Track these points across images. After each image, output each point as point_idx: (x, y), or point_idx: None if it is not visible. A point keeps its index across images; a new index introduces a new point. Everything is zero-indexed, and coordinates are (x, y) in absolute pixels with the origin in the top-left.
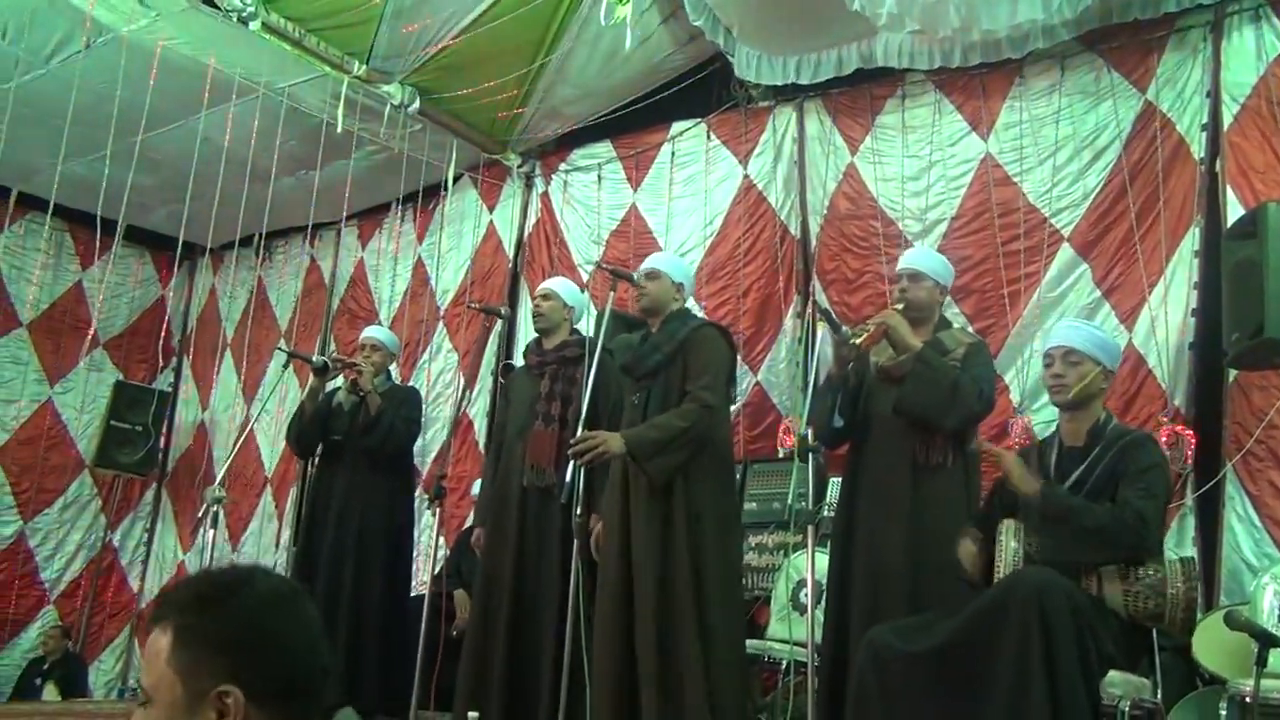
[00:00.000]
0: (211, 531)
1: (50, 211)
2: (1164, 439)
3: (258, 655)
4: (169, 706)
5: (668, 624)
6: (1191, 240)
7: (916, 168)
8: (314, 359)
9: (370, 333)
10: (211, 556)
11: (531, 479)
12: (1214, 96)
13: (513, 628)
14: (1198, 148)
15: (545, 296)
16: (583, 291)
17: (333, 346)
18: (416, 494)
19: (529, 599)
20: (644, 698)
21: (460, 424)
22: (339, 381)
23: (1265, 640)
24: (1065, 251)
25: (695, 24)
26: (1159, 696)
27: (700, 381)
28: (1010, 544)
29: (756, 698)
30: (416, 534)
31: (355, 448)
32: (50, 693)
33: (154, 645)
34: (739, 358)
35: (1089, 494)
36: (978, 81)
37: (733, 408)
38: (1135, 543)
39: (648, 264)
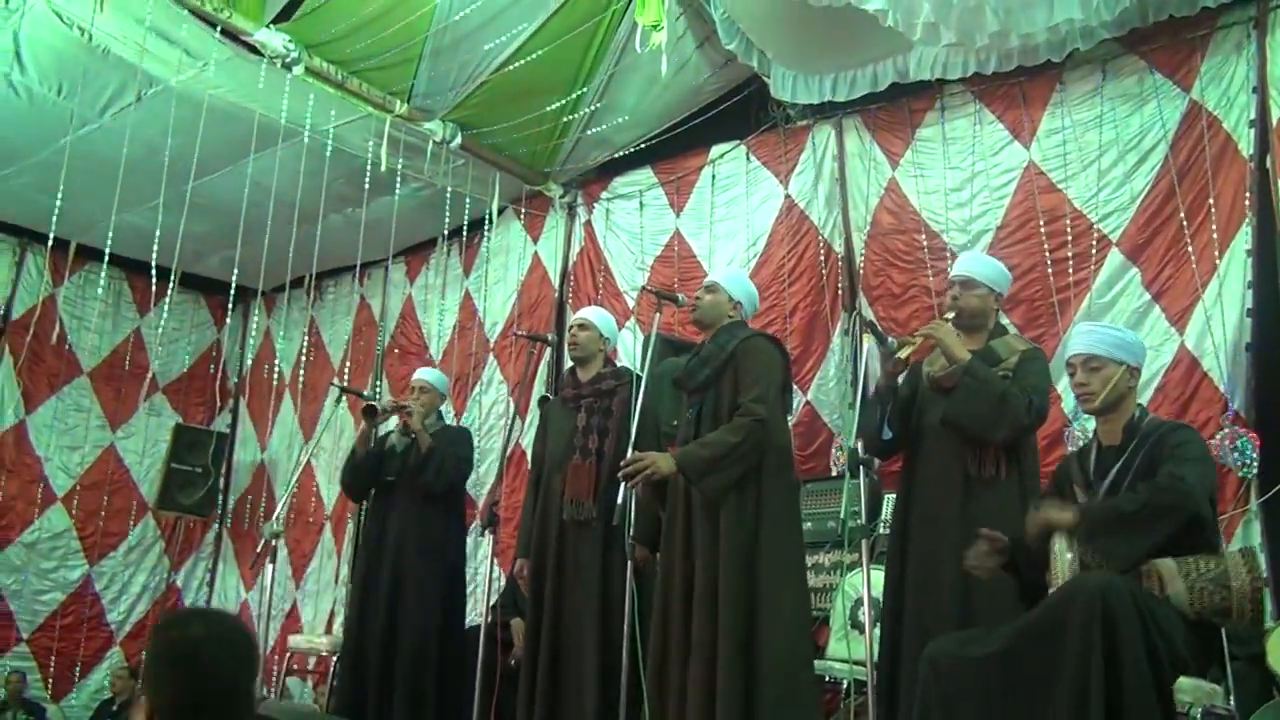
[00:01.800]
0: (271, 566)
1: (107, 261)
2: (1228, 443)
3: (160, 681)
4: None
5: (729, 641)
6: (1244, 238)
7: (959, 179)
8: (364, 403)
9: (420, 375)
10: (272, 590)
11: (570, 513)
12: (1261, 92)
13: (553, 659)
14: (1246, 145)
15: (582, 326)
16: (629, 319)
17: (384, 383)
18: (471, 526)
19: (569, 630)
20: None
21: (514, 455)
22: (391, 424)
23: None
24: (1114, 256)
25: (729, 48)
26: (1232, 704)
27: (751, 394)
28: (1065, 554)
29: (821, 718)
30: (472, 567)
31: (409, 486)
32: None
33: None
34: None
35: (1129, 488)
36: (1018, 90)
37: (790, 418)
38: (1178, 502)
39: (709, 278)
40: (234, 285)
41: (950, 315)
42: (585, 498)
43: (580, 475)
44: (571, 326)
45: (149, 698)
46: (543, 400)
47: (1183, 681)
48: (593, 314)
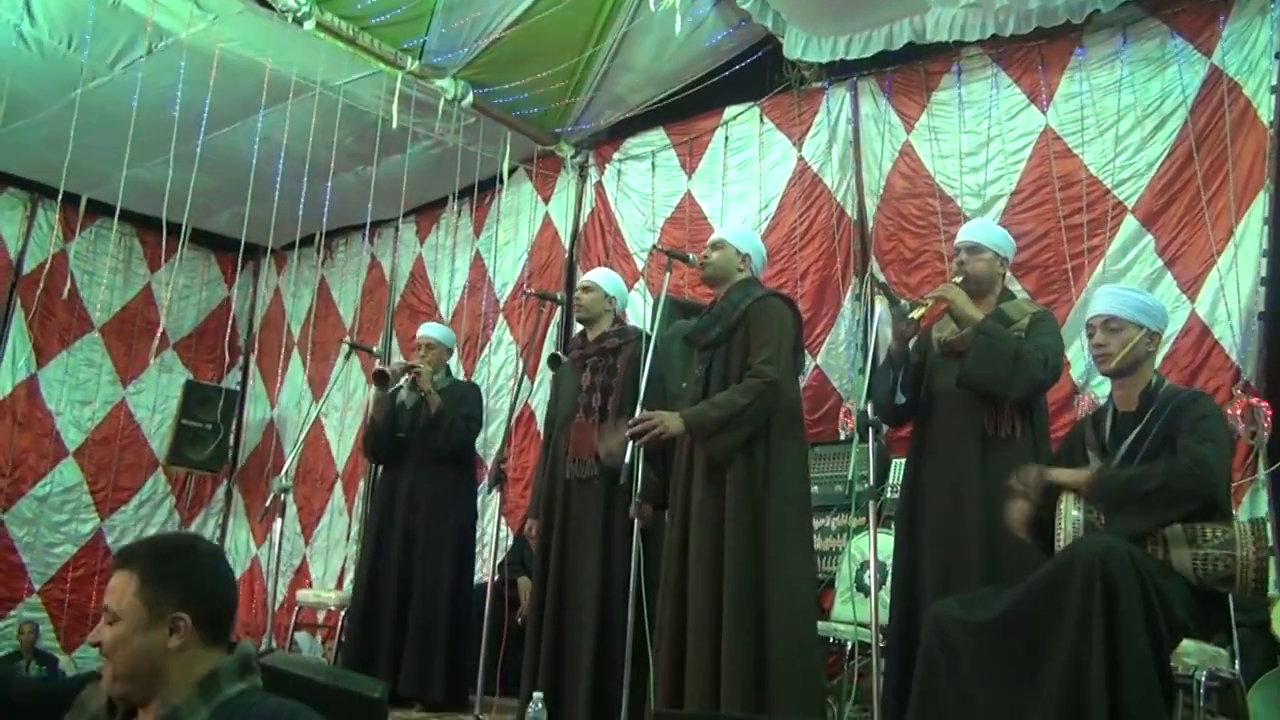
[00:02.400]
0: (280, 521)
1: (117, 216)
2: (1238, 411)
3: (201, 595)
4: (133, 624)
5: (734, 599)
6: (1261, 206)
7: (974, 143)
8: (375, 365)
9: (425, 331)
10: (281, 545)
11: (573, 471)
12: None
13: (556, 615)
14: (1266, 111)
15: (586, 288)
16: (638, 280)
17: (395, 343)
18: (480, 486)
19: (570, 587)
20: (724, 672)
21: (522, 415)
22: (402, 380)
23: None
24: (1129, 223)
25: (743, 6)
26: (1237, 668)
27: (762, 354)
28: (1071, 513)
29: (823, 680)
30: (481, 526)
31: (419, 445)
32: None
33: (121, 583)
34: None
35: (1145, 456)
36: (1036, 53)
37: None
38: (1197, 487)
39: (715, 235)
40: (243, 242)
41: (958, 280)
42: (587, 456)
43: (583, 434)
44: (577, 290)
45: (186, 609)
46: (553, 359)
47: (1187, 644)
48: (597, 275)
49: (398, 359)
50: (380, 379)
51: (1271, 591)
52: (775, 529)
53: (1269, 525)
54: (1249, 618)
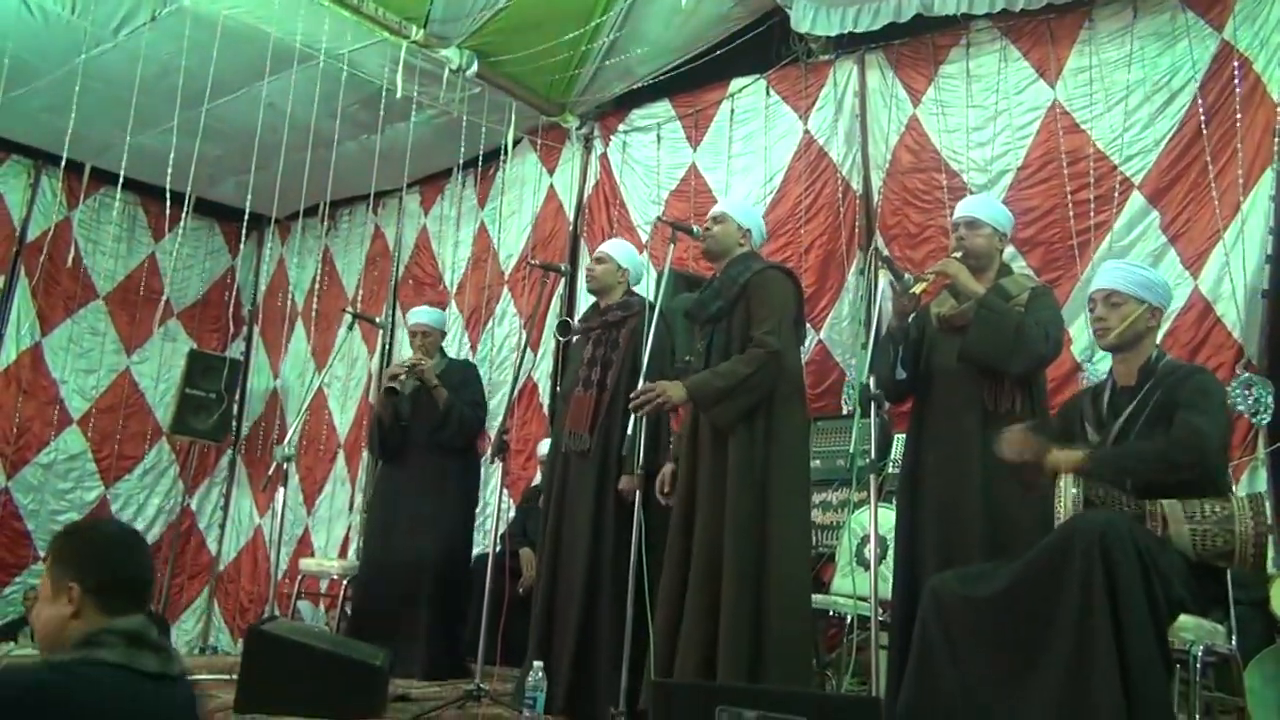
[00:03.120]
0: (282, 490)
1: (121, 185)
2: (1244, 390)
3: (92, 566)
4: (44, 598)
5: (735, 569)
6: (1268, 184)
7: (981, 118)
8: (384, 380)
9: (416, 318)
10: (284, 514)
11: (569, 443)
12: None
13: (549, 587)
14: (1276, 87)
15: (599, 260)
16: (641, 253)
17: (398, 313)
18: (482, 459)
19: (563, 559)
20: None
21: (525, 387)
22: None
23: None
24: (1136, 199)
25: None
26: (1234, 644)
27: (764, 326)
28: (1070, 489)
29: (822, 653)
30: (483, 498)
31: (421, 428)
32: None
33: (44, 566)
34: None
35: (1142, 429)
36: (1045, 27)
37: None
38: (1195, 458)
39: (715, 209)
40: (247, 212)
41: (958, 255)
42: (583, 429)
43: (580, 406)
44: (590, 260)
45: (77, 579)
46: (563, 325)
47: (1185, 620)
48: (611, 247)
49: (396, 364)
50: (390, 394)
51: (1270, 569)
52: (776, 500)
53: (1268, 503)
54: (1248, 595)
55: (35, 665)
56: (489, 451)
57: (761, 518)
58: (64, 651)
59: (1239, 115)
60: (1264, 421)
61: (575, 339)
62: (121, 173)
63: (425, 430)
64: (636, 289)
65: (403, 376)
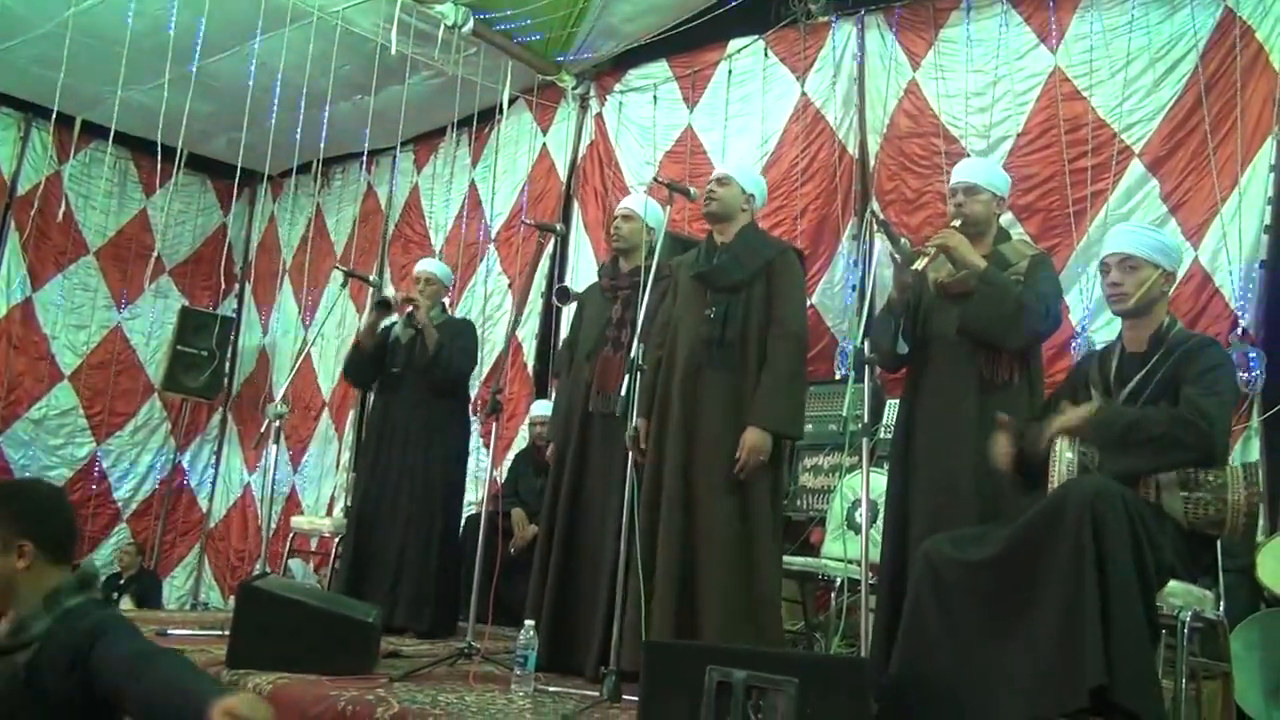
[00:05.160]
0: (274, 446)
1: (112, 139)
2: (1236, 359)
3: (40, 524)
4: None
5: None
6: (1268, 154)
7: (981, 83)
8: (375, 297)
9: (424, 266)
10: (275, 472)
11: (598, 404)
12: None
13: (566, 546)
14: (1278, 56)
15: (626, 217)
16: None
17: (389, 272)
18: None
19: (590, 518)
20: (708, 605)
21: (510, 347)
22: (392, 318)
23: None
24: (1135, 167)
25: None
26: (1221, 611)
27: (792, 325)
28: (1066, 454)
29: (812, 615)
30: (474, 459)
31: (414, 377)
32: (126, 606)
33: None
34: None
35: (1149, 398)
36: None
37: None
38: (1200, 442)
39: (720, 170)
40: (239, 168)
41: (956, 223)
42: (612, 390)
43: (609, 367)
44: (615, 217)
45: (29, 536)
46: (561, 293)
47: (1174, 586)
48: (637, 203)
49: (394, 291)
50: (383, 306)
51: (1259, 537)
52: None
53: (1260, 470)
54: (1234, 562)
55: (88, 608)
56: (480, 411)
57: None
58: (20, 601)
59: (1240, 84)
60: (1257, 391)
61: (592, 294)
62: (112, 126)
63: (416, 380)
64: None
65: (402, 304)
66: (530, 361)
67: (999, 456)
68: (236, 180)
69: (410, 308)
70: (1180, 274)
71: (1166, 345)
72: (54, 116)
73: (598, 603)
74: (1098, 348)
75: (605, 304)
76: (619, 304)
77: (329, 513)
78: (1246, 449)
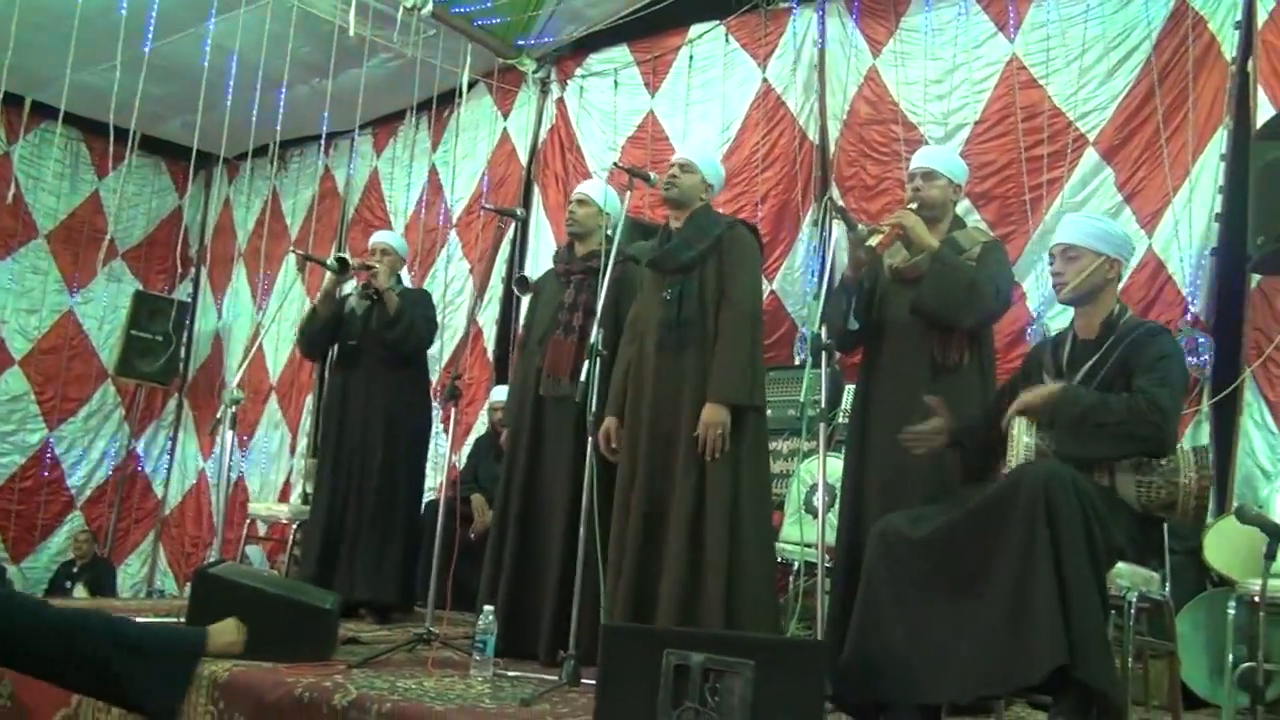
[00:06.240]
0: (230, 433)
1: (62, 120)
2: (1186, 344)
3: None
4: None
5: (699, 518)
6: (1219, 143)
7: (940, 70)
8: (329, 259)
9: (380, 237)
10: (230, 458)
11: (547, 387)
12: None
13: (521, 528)
14: (1229, 47)
15: (580, 202)
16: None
17: (348, 256)
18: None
19: (541, 502)
20: (664, 588)
21: (469, 331)
22: (349, 288)
23: (1275, 534)
24: (1090, 156)
25: None
26: (1168, 591)
27: (740, 297)
28: (1023, 439)
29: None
30: (434, 443)
31: (373, 350)
32: (80, 594)
33: None
34: None
35: (1100, 385)
36: None
37: None
38: (1153, 433)
39: (683, 155)
40: (195, 150)
41: (913, 207)
42: (563, 374)
43: (560, 351)
44: (570, 202)
45: None
46: (520, 282)
47: (1121, 567)
48: (592, 189)
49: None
50: (341, 265)
51: (1207, 519)
52: (749, 444)
53: (1210, 449)
54: (1182, 544)
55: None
56: (439, 396)
57: (736, 461)
58: None
59: (1192, 75)
60: (1206, 376)
61: (547, 278)
62: (62, 107)
63: (374, 353)
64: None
65: (359, 267)
66: (490, 347)
67: (915, 442)
68: (192, 163)
69: (368, 275)
70: (1135, 262)
71: (1118, 332)
72: (2, 97)
73: (549, 586)
74: (1053, 334)
75: (559, 288)
76: (572, 288)
77: (282, 498)
78: (1197, 433)
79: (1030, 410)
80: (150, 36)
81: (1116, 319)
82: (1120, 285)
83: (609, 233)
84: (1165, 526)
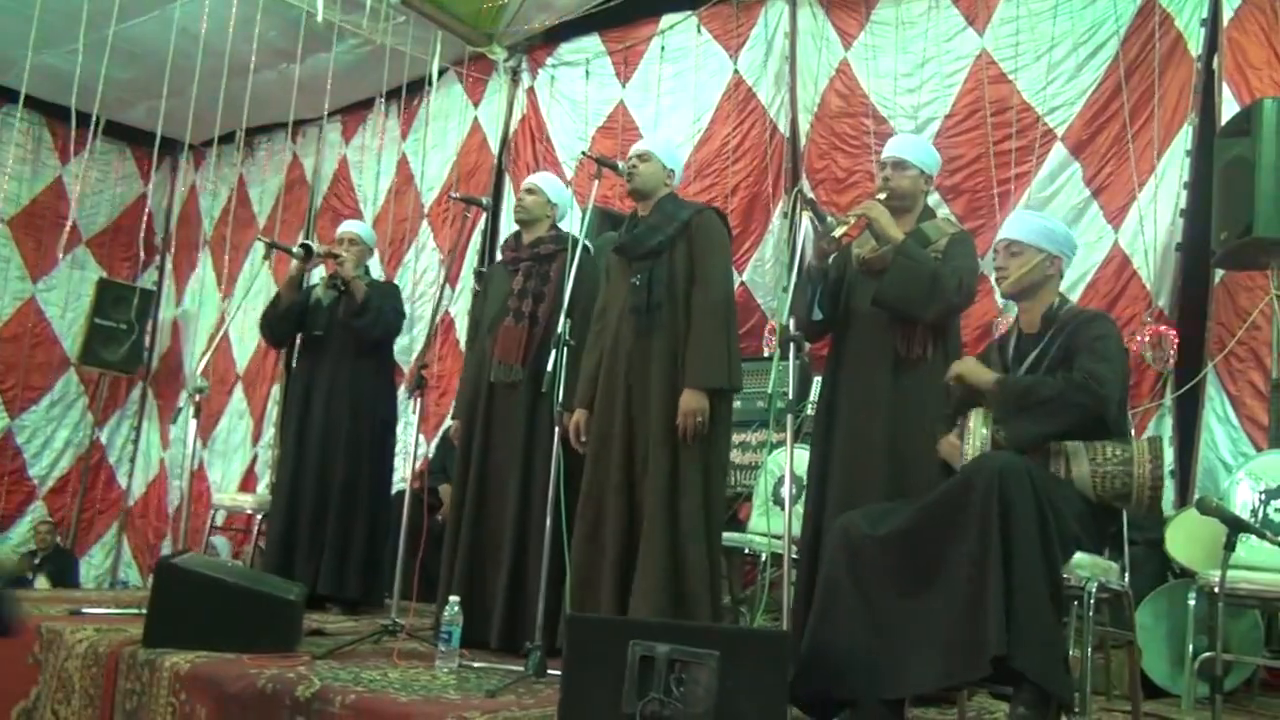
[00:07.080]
0: (194, 421)
1: (21, 103)
2: (1148, 338)
3: None
4: None
5: (674, 494)
6: (1184, 139)
7: (911, 64)
8: (294, 247)
9: (347, 226)
10: (195, 448)
11: (498, 374)
12: None
13: (475, 516)
14: (1195, 44)
15: (529, 190)
16: (567, 187)
17: (316, 244)
18: (400, 389)
19: (491, 490)
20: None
21: (442, 322)
22: (315, 277)
23: (1234, 526)
24: (1058, 150)
25: None
26: (1127, 581)
27: (713, 280)
28: (980, 430)
29: (737, 589)
30: (401, 432)
31: (339, 341)
32: (42, 585)
33: None
34: None
35: (1046, 371)
36: None
37: None
38: (1090, 401)
39: (639, 145)
40: (159, 137)
41: (882, 196)
42: (514, 360)
43: (510, 338)
44: (520, 192)
45: None
46: (479, 274)
47: (1080, 558)
48: (542, 179)
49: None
50: (305, 252)
51: (1168, 511)
52: (716, 433)
53: (1168, 445)
54: (1144, 535)
55: None
56: (405, 386)
57: (707, 449)
58: None
59: (1159, 71)
60: (1168, 370)
61: (495, 268)
62: (23, 90)
63: (340, 343)
64: (561, 225)
65: (324, 255)
66: (462, 338)
67: (952, 457)
68: (156, 149)
69: (335, 265)
70: (1100, 259)
71: (1059, 322)
72: None
73: (501, 573)
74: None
75: (508, 276)
76: (520, 275)
77: (244, 488)
78: (1160, 426)
79: (973, 381)
80: (114, 18)
81: (1057, 310)
82: (1084, 283)
83: (559, 224)
84: (1125, 517)
